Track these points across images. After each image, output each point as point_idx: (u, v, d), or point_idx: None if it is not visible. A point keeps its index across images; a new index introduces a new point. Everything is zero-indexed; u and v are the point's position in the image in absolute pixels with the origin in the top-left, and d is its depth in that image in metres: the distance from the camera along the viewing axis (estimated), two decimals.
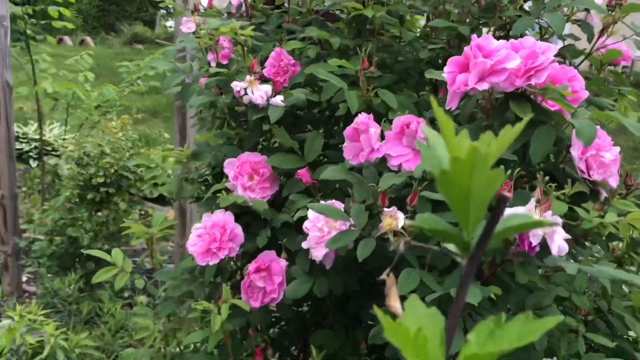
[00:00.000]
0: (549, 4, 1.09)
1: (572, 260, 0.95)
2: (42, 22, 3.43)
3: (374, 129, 1.00)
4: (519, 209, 0.81)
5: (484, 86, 0.87)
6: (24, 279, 2.86)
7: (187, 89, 1.31)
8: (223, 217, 1.17)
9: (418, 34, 1.37)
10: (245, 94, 1.16)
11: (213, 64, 1.32)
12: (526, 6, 1.17)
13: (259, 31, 1.35)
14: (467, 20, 1.24)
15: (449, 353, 0.35)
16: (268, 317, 1.23)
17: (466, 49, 0.89)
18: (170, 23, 12.60)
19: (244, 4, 1.42)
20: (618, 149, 0.97)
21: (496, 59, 0.86)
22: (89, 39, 10.42)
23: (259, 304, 1.13)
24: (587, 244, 1.09)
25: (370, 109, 1.13)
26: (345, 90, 1.12)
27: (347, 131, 1.04)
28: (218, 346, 1.18)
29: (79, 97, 3.28)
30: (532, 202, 0.85)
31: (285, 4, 1.41)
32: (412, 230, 0.88)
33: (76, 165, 2.59)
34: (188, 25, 1.39)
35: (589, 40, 1.17)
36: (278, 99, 1.16)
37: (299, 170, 1.14)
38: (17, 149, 3.51)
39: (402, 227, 0.88)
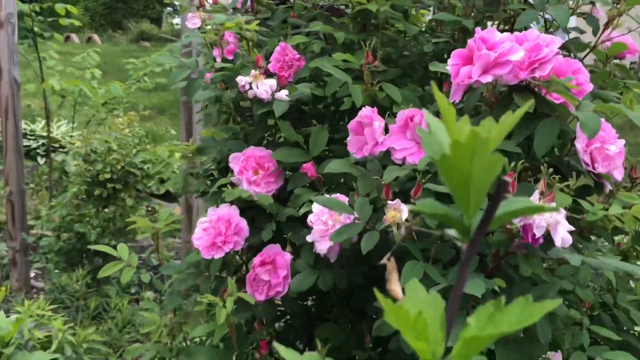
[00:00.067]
0: None
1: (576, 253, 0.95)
2: (50, 19, 3.45)
3: (378, 122, 1.00)
4: None
5: (488, 79, 0.87)
6: (32, 274, 2.88)
7: (192, 84, 1.32)
8: (228, 211, 1.18)
9: (423, 29, 1.37)
10: (250, 88, 1.17)
11: (218, 59, 1.33)
12: None
13: (264, 26, 1.36)
14: (472, 14, 1.24)
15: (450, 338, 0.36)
16: (273, 311, 1.23)
17: (470, 41, 0.89)
18: (176, 20, 12.63)
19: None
20: (623, 141, 0.97)
21: (500, 51, 0.86)
22: (96, 37, 10.46)
23: (264, 297, 1.13)
24: (592, 238, 1.08)
25: (374, 103, 1.13)
26: (349, 84, 1.12)
27: (351, 124, 1.04)
28: (223, 339, 1.19)
29: (86, 94, 3.30)
30: (536, 194, 0.85)
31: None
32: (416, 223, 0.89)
33: (83, 161, 2.61)
34: (193, 21, 1.40)
35: (595, 33, 1.16)
36: (283, 94, 1.17)
37: (304, 164, 1.15)
38: (24, 146, 3.53)
39: (406, 220, 0.88)
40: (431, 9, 1.43)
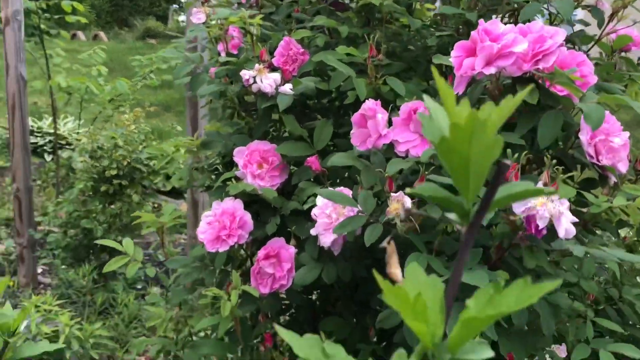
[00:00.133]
0: None
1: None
2: (56, 16, 3.47)
3: (382, 115, 1.00)
4: None
5: (491, 70, 0.87)
6: (39, 270, 2.90)
7: (197, 79, 1.32)
8: (232, 205, 1.18)
9: (427, 23, 1.37)
10: (254, 82, 1.17)
11: (223, 54, 1.33)
12: None
13: (268, 21, 1.36)
14: (477, 7, 1.24)
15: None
16: (278, 304, 1.24)
17: (473, 33, 0.89)
18: (182, 17, 12.65)
19: None
20: (627, 134, 0.97)
21: (503, 42, 0.86)
22: (102, 34, 10.49)
23: (268, 290, 1.14)
24: (597, 232, 1.08)
25: (378, 97, 1.13)
26: (353, 77, 1.12)
27: (355, 117, 1.04)
28: (228, 333, 1.19)
29: (92, 91, 3.32)
30: (539, 185, 0.85)
31: None
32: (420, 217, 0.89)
33: (90, 158, 2.62)
34: (198, 16, 1.40)
35: (600, 26, 1.16)
36: (287, 88, 1.17)
37: (308, 158, 1.15)
38: (31, 143, 3.55)
39: (407, 210, 0.88)
40: (437, 3, 1.43)
